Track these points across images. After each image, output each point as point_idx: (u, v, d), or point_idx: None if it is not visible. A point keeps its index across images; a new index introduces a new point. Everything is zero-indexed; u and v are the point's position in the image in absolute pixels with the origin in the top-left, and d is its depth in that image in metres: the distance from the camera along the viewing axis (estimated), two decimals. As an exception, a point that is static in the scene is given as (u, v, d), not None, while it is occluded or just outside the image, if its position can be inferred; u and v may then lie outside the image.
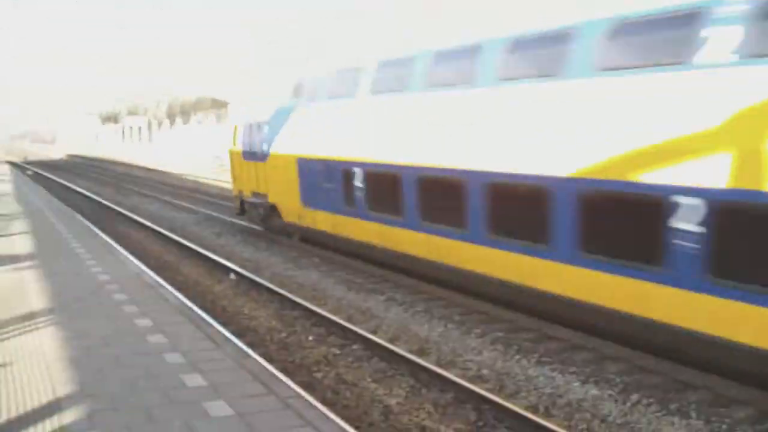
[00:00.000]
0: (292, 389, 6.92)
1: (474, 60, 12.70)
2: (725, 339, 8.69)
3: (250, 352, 8.30)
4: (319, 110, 17.63)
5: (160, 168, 60.52)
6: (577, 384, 9.76)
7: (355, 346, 11.23)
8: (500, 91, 12.04)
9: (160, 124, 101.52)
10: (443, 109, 13.35)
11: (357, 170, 15.78)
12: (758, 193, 8.11)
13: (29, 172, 55.33)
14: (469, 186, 12.44)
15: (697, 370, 9.67)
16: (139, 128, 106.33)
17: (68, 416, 6.03)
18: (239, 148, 22.97)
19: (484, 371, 10.27)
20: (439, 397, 9.26)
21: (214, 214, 27.23)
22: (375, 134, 15.42)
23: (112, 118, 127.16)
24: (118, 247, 15.90)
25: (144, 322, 9.10)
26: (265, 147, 20.66)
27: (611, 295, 10.18)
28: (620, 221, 9.97)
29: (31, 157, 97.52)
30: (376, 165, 15.16)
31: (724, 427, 8.34)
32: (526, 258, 11.53)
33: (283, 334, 12.00)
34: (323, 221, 18.01)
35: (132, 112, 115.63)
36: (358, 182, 15.93)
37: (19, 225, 18.59)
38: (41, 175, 54.55)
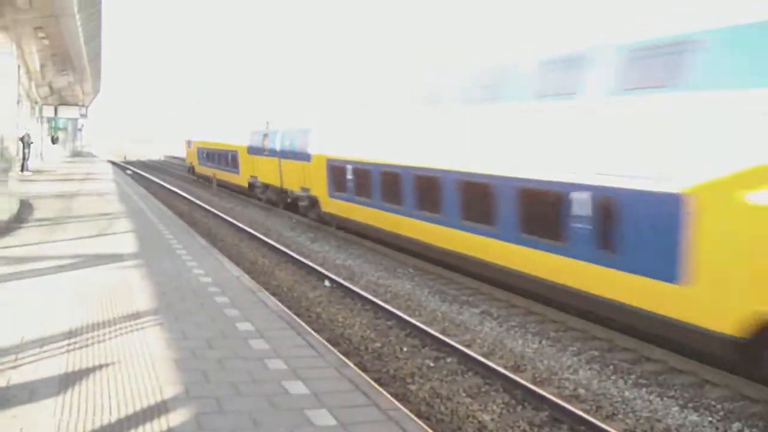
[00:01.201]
0: (392, 401, 6.93)
1: None
2: None
3: (348, 361, 8.34)
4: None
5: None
6: (675, 409, 9.57)
7: (449, 359, 11.21)
8: None
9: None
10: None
11: (202, 148, 49.55)
12: None
13: (129, 172, 56.91)
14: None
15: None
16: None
17: (175, 417, 6.16)
18: (185, 140, 58.17)
19: (581, 391, 10.14)
20: (534, 415, 9.18)
21: (312, 220, 27.52)
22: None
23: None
24: (215, 250, 16.19)
25: (245, 326, 9.25)
26: (189, 139, 54.95)
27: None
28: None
29: (130, 157, 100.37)
30: (206, 145, 47.94)
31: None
32: None
33: (378, 344, 12.06)
34: (202, 169, 49.65)
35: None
36: (204, 153, 48.56)
37: (122, 224, 19.13)
38: (140, 174, 56.08)
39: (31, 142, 43.49)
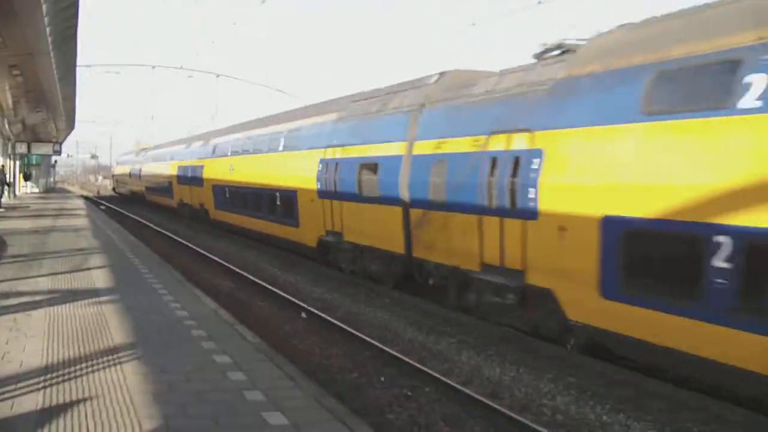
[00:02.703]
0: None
1: None
2: None
3: (325, 391, 8.36)
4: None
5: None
6: (653, 432, 9.66)
7: (427, 389, 11.24)
8: None
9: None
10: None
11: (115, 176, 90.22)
12: None
13: (102, 207, 56.57)
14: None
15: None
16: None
17: (155, 451, 6.16)
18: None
19: (559, 416, 10.23)
20: (513, 442, 9.23)
21: (293, 255, 27.48)
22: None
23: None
24: (191, 284, 16.11)
25: (223, 359, 9.25)
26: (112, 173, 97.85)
27: None
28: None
29: (103, 192, 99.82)
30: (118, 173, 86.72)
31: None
32: None
33: (355, 374, 12.07)
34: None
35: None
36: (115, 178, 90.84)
37: (97, 259, 19.02)
38: (114, 209, 55.76)
39: (9, 182, 43.10)
